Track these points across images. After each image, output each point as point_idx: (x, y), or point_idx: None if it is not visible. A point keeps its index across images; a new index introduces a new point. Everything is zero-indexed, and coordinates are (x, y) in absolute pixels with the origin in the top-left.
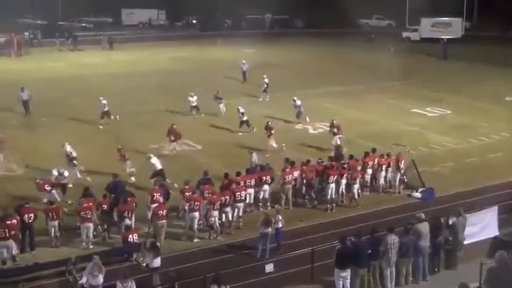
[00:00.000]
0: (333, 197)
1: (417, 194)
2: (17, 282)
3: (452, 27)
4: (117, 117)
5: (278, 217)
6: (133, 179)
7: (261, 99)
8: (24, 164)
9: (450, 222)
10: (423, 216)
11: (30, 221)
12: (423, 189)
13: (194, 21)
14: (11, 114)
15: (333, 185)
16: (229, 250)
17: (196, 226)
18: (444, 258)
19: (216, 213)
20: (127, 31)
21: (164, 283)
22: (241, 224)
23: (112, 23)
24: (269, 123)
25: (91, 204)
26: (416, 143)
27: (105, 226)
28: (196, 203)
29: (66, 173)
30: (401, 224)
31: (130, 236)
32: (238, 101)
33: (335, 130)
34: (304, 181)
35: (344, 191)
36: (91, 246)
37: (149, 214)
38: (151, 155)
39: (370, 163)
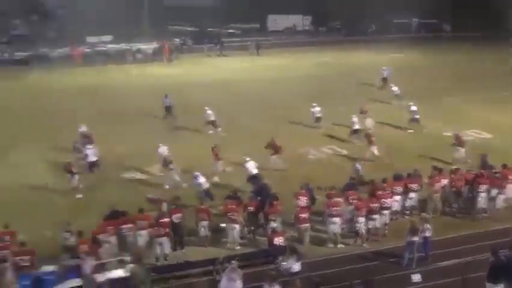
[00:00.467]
0: (484, 206)
1: None
2: (167, 278)
3: None
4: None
5: (426, 226)
6: (216, 178)
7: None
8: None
9: None
10: None
11: (179, 221)
12: None
13: (338, 27)
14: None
15: (483, 195)
16: (374, 257)
17: (337, 231)
18: None
19: (362, 219)
20: (273, 37)
21: None
22: (386, 231)
23: (258, 29)
24: (370, 131)
25: (237, 205)
26: None
27: (251, 228)
28: (334, 208)
29: (201, 179)
30: None
31: (276, 239)
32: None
33: (455, 141)
34: (453, 189)
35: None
36: (237, 247)
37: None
38: (248, 159)
39: None
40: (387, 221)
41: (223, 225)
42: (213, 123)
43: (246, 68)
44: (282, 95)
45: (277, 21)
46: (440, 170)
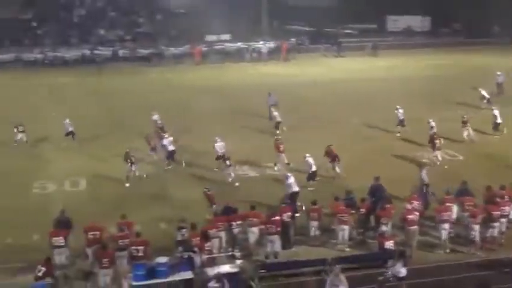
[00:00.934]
0: None
1: None
2: (276, 276)
3: None
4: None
5: None
6: (276, 168)
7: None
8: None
9: None
10: None
11: (289, 219)
12: None
13: (459, 28)
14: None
15: None
16: (488, 267)
17: (445, 237)
18: None
19: (477, 227)
20: (392, 38)
21: None
22: (503, 240)
23: (376, 30)
24: (435, 135)
25: (348, 207)
26: None
27: (361, 230)
28: (444, 213)
29: (291, 180)
30: None
31: (386, 242)
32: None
33: None
34: None
35: None
36: (347, 249)
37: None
38: (308, 155)
39: None
40: (504, 230)
41: (335, 227)
42: (276, 124)
43: (361, 68)
44: (394, 96)
45: (397, 22)
46: None
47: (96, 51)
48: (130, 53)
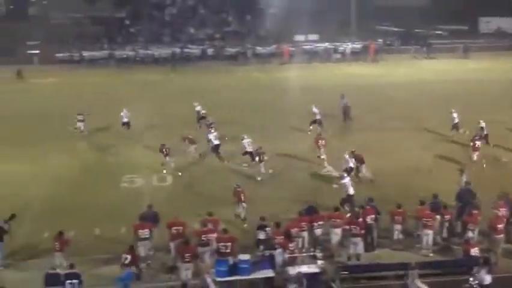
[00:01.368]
0: None
1: None
2: (358, 278)
3: None
4: (467, 132)
5: None
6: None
7: None
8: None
9: None
10: None
11: (372, 222)
12: None
13: None
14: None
15: None
16: None
17: None
18: None
19: None
20: (484, 39)
21: None
22: None
23: (468, 31)
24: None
25: (432, 211)
26: None
27: (445, 235)
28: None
29: (346, 180)
30: None
31: (472, 249)
32: None
33: None
34: None
35: None
36: (431, 254)
37: None
38: (347, 156)
39: None
40: None
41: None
42: (318, 122)
43: (450, 70)
44: (480, 98)
45: (489, 24)
46: None
47: (186, 50)
48: (218, 51)
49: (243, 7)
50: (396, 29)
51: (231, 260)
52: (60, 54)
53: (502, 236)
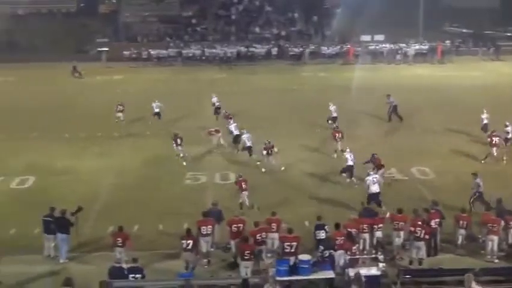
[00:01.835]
0: None
1: None
2: (419, 283)
3: None
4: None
5: None
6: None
7: None
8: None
9: None
10: None
11: (436, 226)
12: None
13: None
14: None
15: None
16: None
17: None
18: None
19: None
20: None
21: None
22: None
23: None
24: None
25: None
26: None
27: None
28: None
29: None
30: None
31: None
32: None
33: None
34: None
35: None
36: (496, 261)
37: None
38: (348, 150)
39: None
40: None
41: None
42: (333, 120)
43: None
44: None
45: None
46: None
47: (251, 49)
48: (283, 51)
49: (309, 6)
50: (464, 31)
51: (291, 260)
52: (128, 52)
53: None
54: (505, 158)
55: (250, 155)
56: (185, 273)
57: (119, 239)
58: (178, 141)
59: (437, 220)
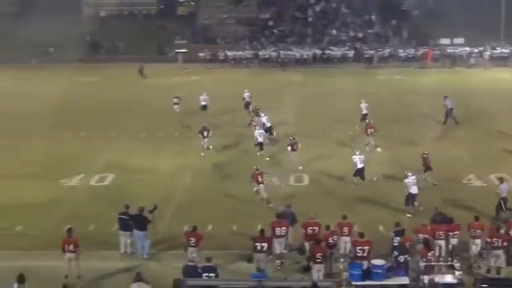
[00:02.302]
0: None
1: None
2: None
3: None
4: None
5: None
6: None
7: None
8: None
9: None
10: None
11: None
12: None
13: None
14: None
15: None
16: None
17: None
18: None
19: None
20: None
21: None
22: None
23: None
24: None
25: None
26: None
27: None
28: None
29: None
30: None
31: None
32: None
33: None
34: None
35: None
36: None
37: None
38: (357, 152)
39: None
40: None
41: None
42: (364, 117)
43: None
44: None
45: None
46: None
47: (327, 51)
48: (359, 53)
49: (387, 8)
50: None
51: (365, 265)
52: (203, 53)
53: None
54: None
55: (261, 149)
56: (258, 273)
57: (192, 238)
58: (205, 133)
59: None
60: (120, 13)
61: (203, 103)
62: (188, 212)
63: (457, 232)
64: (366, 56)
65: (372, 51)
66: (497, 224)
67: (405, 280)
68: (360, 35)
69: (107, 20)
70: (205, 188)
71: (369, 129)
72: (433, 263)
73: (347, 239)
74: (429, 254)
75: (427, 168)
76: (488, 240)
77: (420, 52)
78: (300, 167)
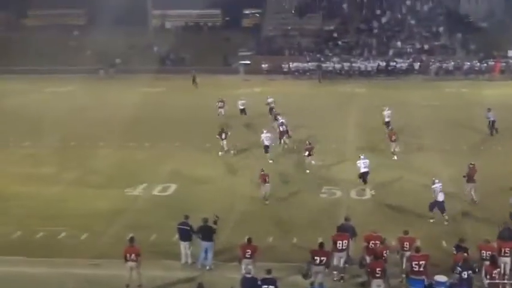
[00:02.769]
0: None
1: None
2: None
3: None
4: None
5: None
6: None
7: None
8: None
9: None
10: None
11: None
12: None
13: None
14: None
15: None
16: None
17: None
18: None
19: None
20: None
21: None
22: None
23: None
24: None
25: None
26: None
27: None
28: None
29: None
30: None
31: None
32: None
33: None
34: None
35: None
36: None
37: None
38: (362, 156)
39: None
40: None
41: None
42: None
43: None
44: None
45: None
46: None
47: (391, 63)
48: (425, 65)
49: (454, 20)
50: None
51: (426, 281)
52: (266, 65)
53: None
54: None
55: (266, 152)
56: (316, 287)
57: (248, 250)
58: (223, 135)
59: None
60: (186, 25)
61: (241, 107)
62: (249, 223)
63: None
64: (431, 68)
65: (438, 64)
66: None
67: None
68: (426, 46)
69: (174, 31)
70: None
71: (393, 136)
72: (498, 281)
73: (408, 254)
74: (495, 271)
75: (470, 179)
76: None
77: (488, 64)
78: (308, 171)
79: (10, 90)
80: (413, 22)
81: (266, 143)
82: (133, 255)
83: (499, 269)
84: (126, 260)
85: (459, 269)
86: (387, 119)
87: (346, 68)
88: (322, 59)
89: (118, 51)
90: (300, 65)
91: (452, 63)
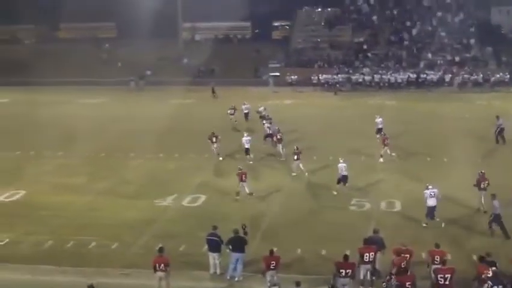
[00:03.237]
0: None
1: None
2: None
3: None
4: None
5: None
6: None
7: None
8: None
9: None
10: None
11: None
12: None
13: None
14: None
15: None
16: None
17: None
18: None
19: None
20: None
21: None
22: None
23: None
24: None
25: None
26: None
27: None
28: None
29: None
30: None
31: None
32: None
33: None
34: None
35: None
36: None
37: None
38: (341, 160)
39: None
40: None
41: None
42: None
43: None
44: None
45: None
46: None
47: (422, 75)
48: (456, 78)
49: (485, 32)
50: None
51: None
52: (295, 77)
53: None
54: None
55: (247, 154)
56: None
57: (273, 262)
58: (214, 139)
59: None
60: (216, 37)
61: (245, 111)
62: (278, 234)
63: None
64: (462, 80)
65: (468, 76)
66: None
67: None
68: (457, 58)
69: (204, 43)
70: (296, 211)
71: (386, 140)
72: None
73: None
74: None
75: (478, 186)
76: None
77: None
78: (294, 174)
79: (44, 101)
80: (443, 34)
81: (246, 146)
82: (162, 265)
83: None
84: (155, 270)
85: (490, 283)
86: (379, 126)
87: (376, 80)
88: (351, 71)
89: (148, 63)
90: (329, 76)
91: (481, 75)
